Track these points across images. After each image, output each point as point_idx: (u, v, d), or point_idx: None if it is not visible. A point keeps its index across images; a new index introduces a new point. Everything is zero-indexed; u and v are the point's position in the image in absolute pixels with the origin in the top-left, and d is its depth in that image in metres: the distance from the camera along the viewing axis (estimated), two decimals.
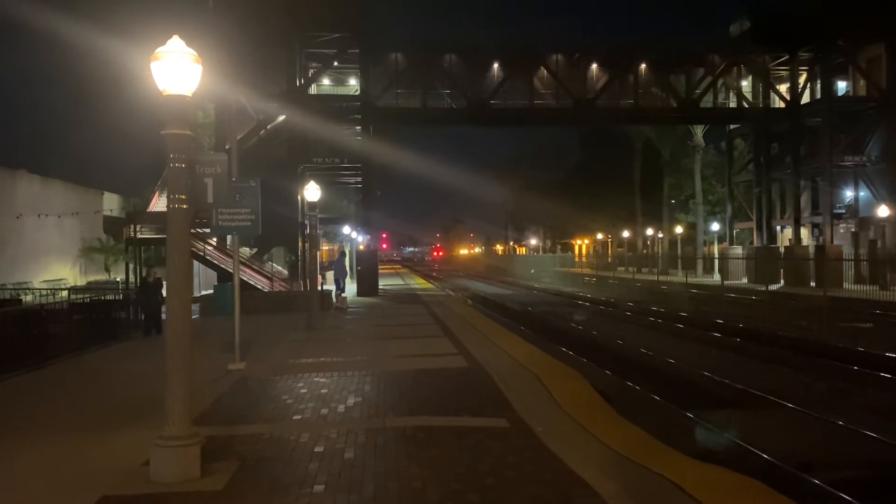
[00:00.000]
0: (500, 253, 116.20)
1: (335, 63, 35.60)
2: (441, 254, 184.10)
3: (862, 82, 38.26)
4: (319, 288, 23.84)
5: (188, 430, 6.08)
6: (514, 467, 6.33)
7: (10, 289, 28.87)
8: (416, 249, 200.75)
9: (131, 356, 14.77)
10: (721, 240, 50.80)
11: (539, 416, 8.35)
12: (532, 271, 68.95)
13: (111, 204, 45.61)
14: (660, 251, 58.49)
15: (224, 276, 29.02)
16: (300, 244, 33.01)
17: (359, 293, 33.00)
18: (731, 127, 45.24)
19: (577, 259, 79.70)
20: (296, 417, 8.48)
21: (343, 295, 26.93)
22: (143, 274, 18.99)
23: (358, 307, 26.68)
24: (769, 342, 19.28)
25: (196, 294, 22.79)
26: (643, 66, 37.63)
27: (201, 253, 29.65)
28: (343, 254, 38.13)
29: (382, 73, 35.54)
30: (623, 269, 58.18)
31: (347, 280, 41.93)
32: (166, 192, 6.55)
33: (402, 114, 36.82)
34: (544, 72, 37.26)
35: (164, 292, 16.02)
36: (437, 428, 7.74)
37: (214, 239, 29.12)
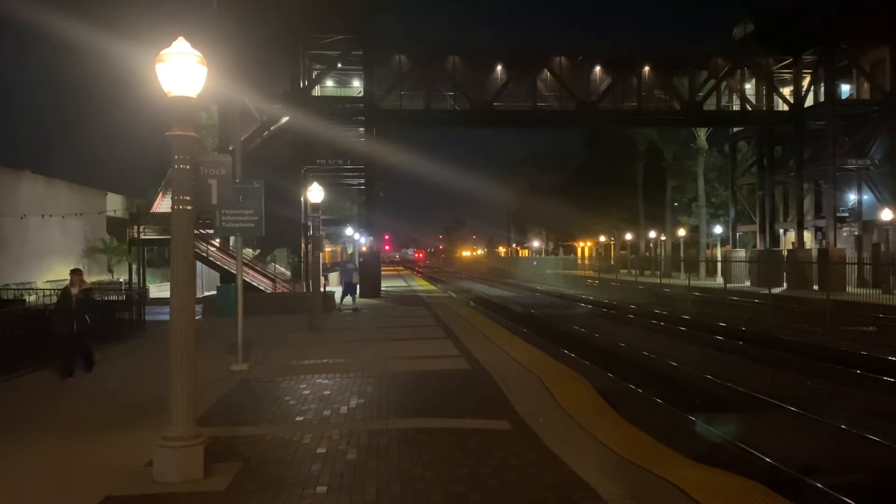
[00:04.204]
0: (502, 255, 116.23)
1: (339, 65, 35.67)
2: (422, 255, 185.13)
3: (866, 85, 38.20)
4: (322, 289, 23.84)
5: (191, 431, 6.10)
6: (517, 469, 6.34)
7: (14, 289, 28.96)
8: (410, 251, 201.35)
9: (134, 356, 14.80)
10: (724, 243, 50.75)
11: (541, 419, 8.35)
12: (547, 271, 68.96)
13: (115, 205, 45.77)
14: (662, 254, 58.38)
15: (227, 278, 29.10)
16: (303, 245, 33.06)
17: (361, 295, 33.03)
18: (735, 129, 45.22)
19: (579, 261, 79.66)
20: (298, 419, 8.50)
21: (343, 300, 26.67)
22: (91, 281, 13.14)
23: (360, 309, 26.66)
24: (772, 345, 19.26)
25: (198, 295, 22.77)
26: (646, 68, 37.64)
27: (204, 254, 29.76)
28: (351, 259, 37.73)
29: (386, 74, 35.59)
30: (626, 271, 58.13)
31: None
32: (170, 193, 6.57)
33: (406, 115, 36.86)
34: (547, 74, 37.29)
35: (89, 310, 12.15)
36: (439, 430, 7.75)
37: (217, 240, 29.18)
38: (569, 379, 11.49)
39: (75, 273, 12.32)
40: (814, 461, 9.13)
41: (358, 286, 27.36)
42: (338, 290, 28.32)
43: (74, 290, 11.98)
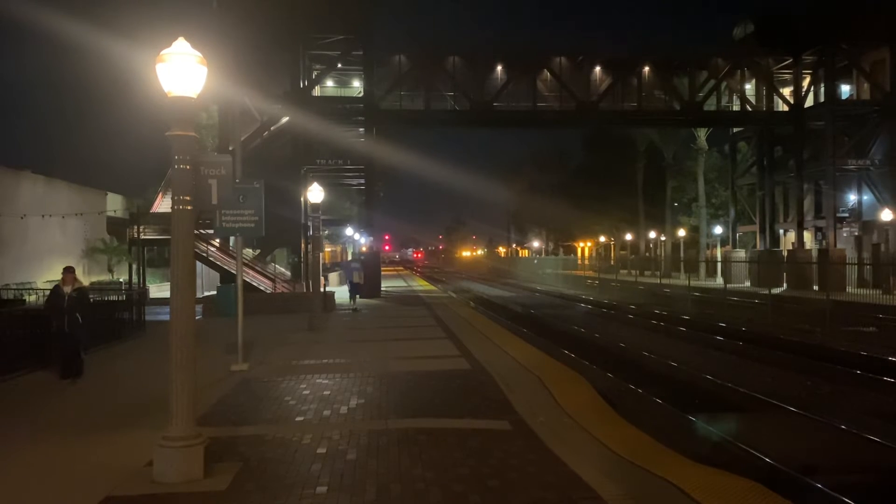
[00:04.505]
0: (502, 255, 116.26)
1: (339, 65, 35.69)
2: (420, 255, 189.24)
3: (866, 85, 38.22)
4: (322, 289, 23.86)
5: (191, 431, 6.10)
6: (517, 469, 6.34)
7: (14, 289, 28.96)
8: (410, 251, 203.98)
9: (134, 356, 14.81)
10: (724, 243, 50.77)
11: (541, 419, 8.35)
12: (547, 271, 68.95)
13: (115, 205, 45.78)
14: (662, 254, 58.41)
15: (227, 278, 29.10)
16: (303, 246, 33.06)
17: (361, 295, 33.03)
18: (735, 130, 45.24)
19: (579, 262, 79.66)
20: (298, 419, 8.50)
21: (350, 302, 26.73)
22: (78, 279, 11.98)
23: (360, 309, 26.68)
24: (772, 345, 19.25)
25: (199, 295, 22.76)
26: (646, 68, 37.66)
27: (204, 254, 29.74)
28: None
29: (386, 74, 35.60)
30: (626, 271, 58.13)
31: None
32: (170, 193, 6.58)
33: (406, 115, 36.87)
34: (547, 74, 37.30)
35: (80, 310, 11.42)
36: (439, 430, 7.75)
37: (217, 240, 29.19)
38: (569, 379, 11.50)
39: (68, 271, 11.85)
40: (814, 461, 9.13)
41: (359, 286, 27.36)
42: (338, 290, 28.31)
43: (67, 289, 11.52)
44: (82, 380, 11.51)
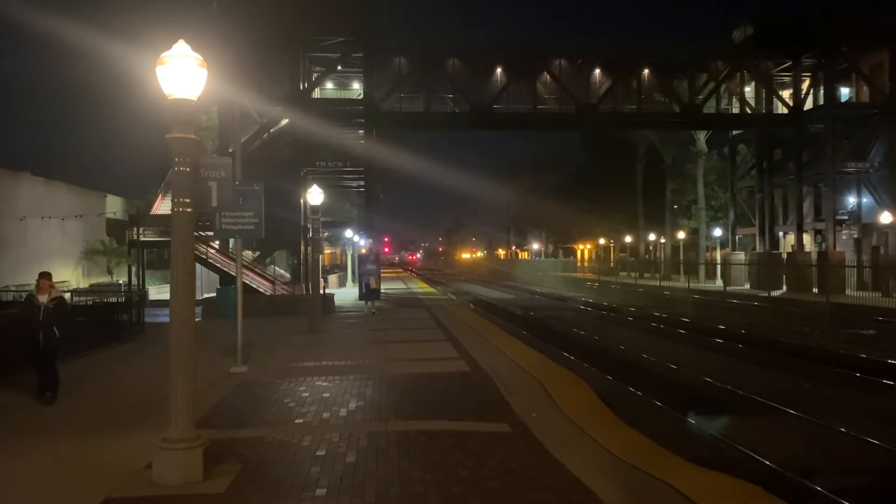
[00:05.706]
0: (501, 257, 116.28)
1: (339, 67, 35.67)
2: (415, 257, 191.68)
3: (865, 88, 38.24)
4: (322, 291, 23.85)
5: (191, 433, 6.10)
6: (516, 472, 6.34)
7: (14, 291, 28.91)
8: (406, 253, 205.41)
9: (134, 358, 14.80)
10: (723, 245, 50.75)
11: (541, 421, 8.35)
12: (547, 273, 68.98)
13: (114, 207, 45.78)
14: (662, 256, 58.38)
15: (226, 280, 29.08)
16: (302, 247, 33.05)
17: (360, 297, 32.99)
18: (734, 132, 45.23)
19: (579, 264, 79.64)
20: (298, 421, 8.50)
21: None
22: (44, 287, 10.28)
23: (360, 311, 26.70)
24: (771, 348, 19.26)
25: (198, 297, 22.72)
26: (646, 71, 37.66)
27: (204, 256, 29.72)
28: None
29: (386, 76, 35.59)
30: (625, 274, 58.09)
31: (348, 283, 41.45)
32: (170, 195, 6.59)
33: (405, 118, 36.86)
34: (547, 76, 37.30)
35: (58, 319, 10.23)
36: (438, 432, 7.75)
37: (217, 242, 29.18)
38: (568, 381, 11.50)
39: (44, 277, 10.27)
40: (812, 464, 9.14)
41: (375, 291, 27.00)
42: (337, 292, 28.27)
43: (43, 298, 10.08)
44: (86, 379, 11.48)
